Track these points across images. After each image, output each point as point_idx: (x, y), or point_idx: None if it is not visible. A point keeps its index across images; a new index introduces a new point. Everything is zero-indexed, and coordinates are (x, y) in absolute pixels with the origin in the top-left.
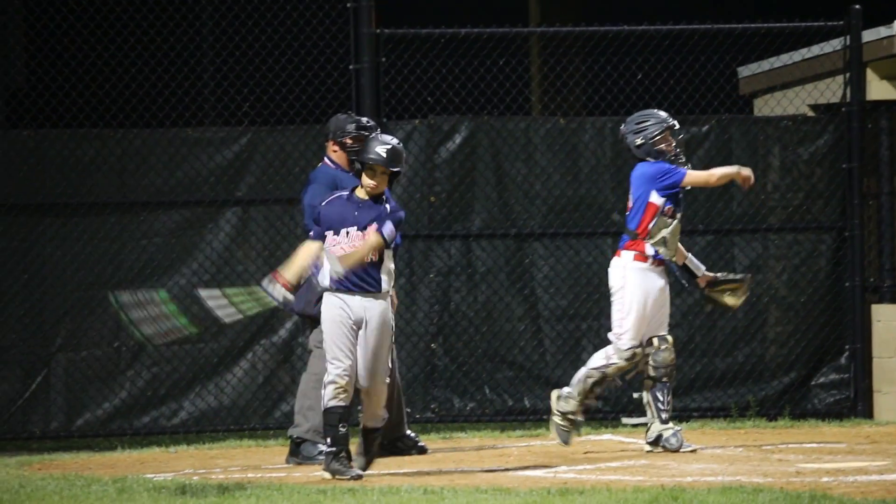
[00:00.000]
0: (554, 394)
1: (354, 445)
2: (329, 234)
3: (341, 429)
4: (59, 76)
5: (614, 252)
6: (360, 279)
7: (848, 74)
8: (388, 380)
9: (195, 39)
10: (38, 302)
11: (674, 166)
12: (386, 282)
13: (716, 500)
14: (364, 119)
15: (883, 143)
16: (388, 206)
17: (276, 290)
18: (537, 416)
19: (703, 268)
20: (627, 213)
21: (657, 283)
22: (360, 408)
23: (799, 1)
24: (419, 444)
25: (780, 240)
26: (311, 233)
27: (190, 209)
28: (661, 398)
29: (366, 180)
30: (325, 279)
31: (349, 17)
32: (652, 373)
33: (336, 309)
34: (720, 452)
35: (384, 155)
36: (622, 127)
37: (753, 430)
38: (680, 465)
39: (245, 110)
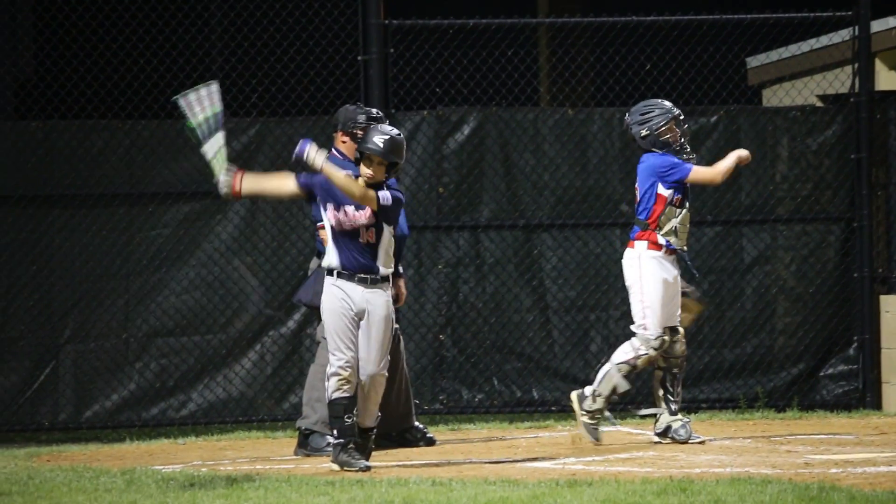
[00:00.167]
0: (574, 395)
1: None
2: (330, 206)
3: (347, 420)
4: (68, 67)
5: (625, 244)
6: (356, 260)
7: (856, 65)
8: (386, 373)
9: (204, 30)
10: (47, 293)
11: (680, 161)
12: (383, 267)
13: (724, 491)
14: (373, 110)
15: (891, 134)
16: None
17: (224, 177)
18: (546, 408)
19: (691, 288)
20: (637, 204)
21: (671, 271)
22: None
23: None
24: (427, 435)
25: (788, 231)
26: (299, 177)
27: (198, 200)
28: (671, 389)
29: (363, 169)
30: (329, 258)
31: (357, 8)
32: (663, 364)
33: (337, 300)
34: (729, 444)
35: (381, 145)
36: (626, 117)
37: (762, 421)
38: (688, 456)
39: (253, 101)
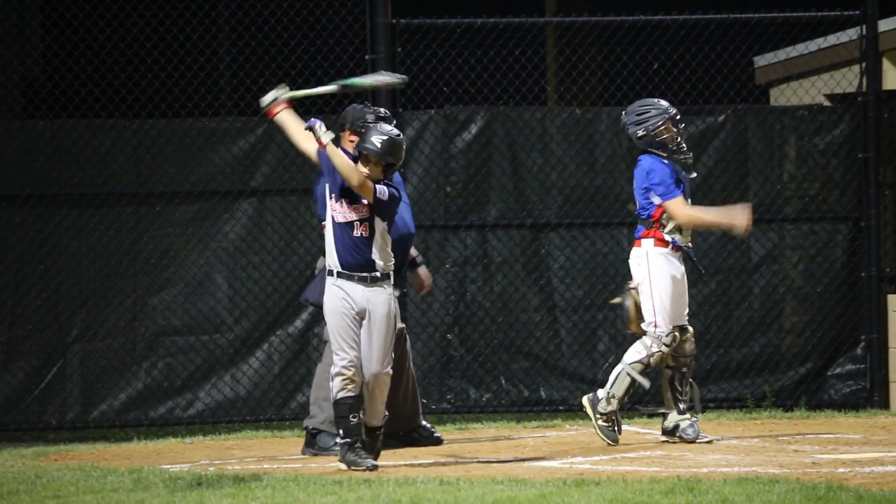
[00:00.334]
0: (586, 400)
1: None
2: (333, 196)
3: (353, 419)
4: (76, 66)
5: (632, 243)
6: (352, 256)
7: (864, 64)
8: (390, 371)
9: (211, 29)
10: (55, 293)
11: (672, 182)
12: (381, 264)
13: (732, 490)
14: (381, 109)
15: None
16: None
17: (275, 95)
18: (553, 407)
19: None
20: (638, 204)
21: (679, 268)
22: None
23: None
24: (435, 434)
25: (796, 230)
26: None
27: (206, 199)
28: (679, 388)
29: (360, 168)
30: (328, 260)
31: (365, 7)
32: (671, 363)
33: (338, 300)
34: (736, 443)
35: (378, 146)
36: (623, 117)
37: (769, 420)
38: (696, 455)
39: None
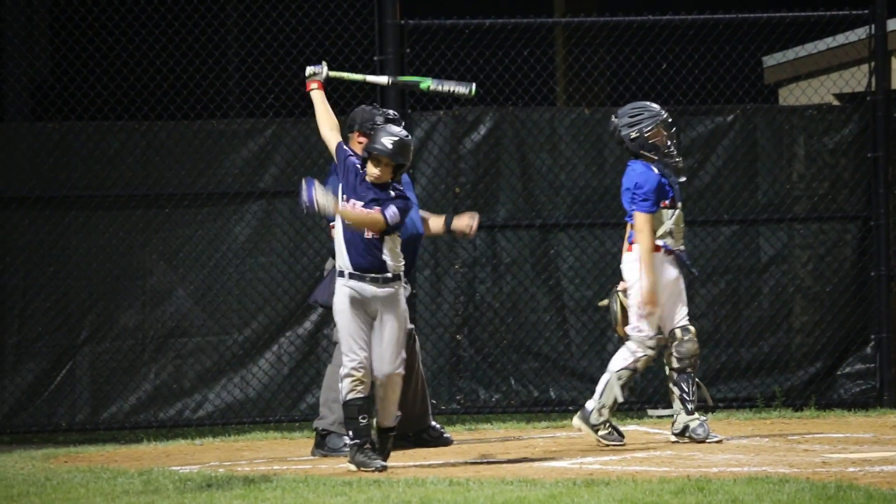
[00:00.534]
0: (577, 420)
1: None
2: (343, 196)
3: (362, 420)
4: (84, 68)
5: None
6: (363, 257)
7: (873, 63)
8: (402, 372)
9: (220, 31)
10: (64, 294)
11: (652, 200)
12: (392, 264)
13: (742, 490)
14: (390, 111)
15: None
16: (391, 192)
17: (316, 70)
18: (563, 407)
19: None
20: (629, 213)
21: (671, 273)
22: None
23: None
24: (444, 435)
25: (805, 229)
26: (340, 145)
27: (215, 201)
28: (686, 389)
29: (370, 169)
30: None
31: (373, 9)
32: (676, 364)
33: (350, 301)
34: (746, 443)
35: (390, 147)
36: (614, 119)
37: (779, 420)
38: (706, 455)
39: (270, 102)
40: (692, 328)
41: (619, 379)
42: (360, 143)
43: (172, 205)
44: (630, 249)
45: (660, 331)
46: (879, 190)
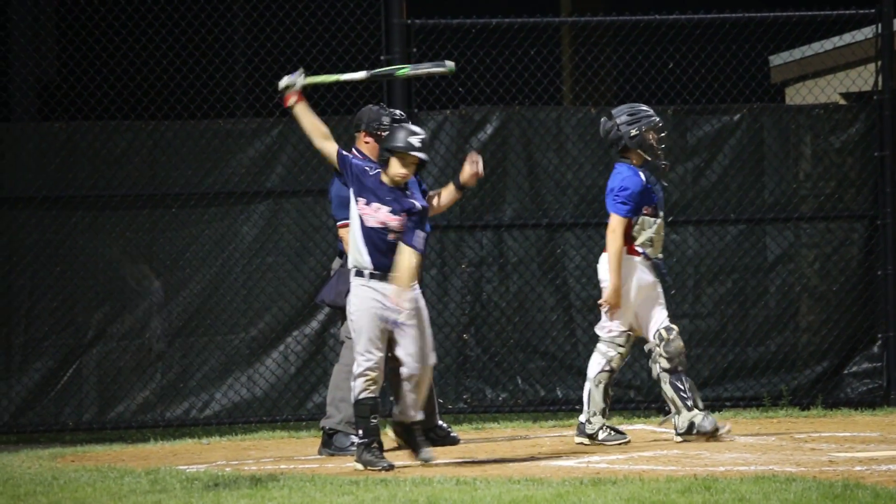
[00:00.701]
0: (577, 438)
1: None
2: (361, 200)
3: (373, 420)
4: (91, 68)
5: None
6: (385, 258)
7: (879, 62)
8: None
9: (227, 31)
10: (71, 294)
11: (632, 205)
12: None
13: (748, 489)
14: (397, 111)
15: None
16: (409, 191)
17: (292, 81)
18: (570, 407)
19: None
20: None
21: (648, 277)
22: (396, 407)
23: None
24: (451, 434)
25: (811, 228)
26: (344, 153)
27: (221, 201)
28: (681, 387)
29: (397, 169)
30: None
31: (380, 8)
32: (667, 364)
33: (370, 301)
34: (753, 441)
35: (418, 145)
36: (609, 121)
37: (786, 419)
38: (712, 454)
39: (276, 101)
40: (675, 327)
41: (599, 384)
42: (366, 143)
43: (179, 204)
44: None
45: (630, 328)
46: (886, 189)
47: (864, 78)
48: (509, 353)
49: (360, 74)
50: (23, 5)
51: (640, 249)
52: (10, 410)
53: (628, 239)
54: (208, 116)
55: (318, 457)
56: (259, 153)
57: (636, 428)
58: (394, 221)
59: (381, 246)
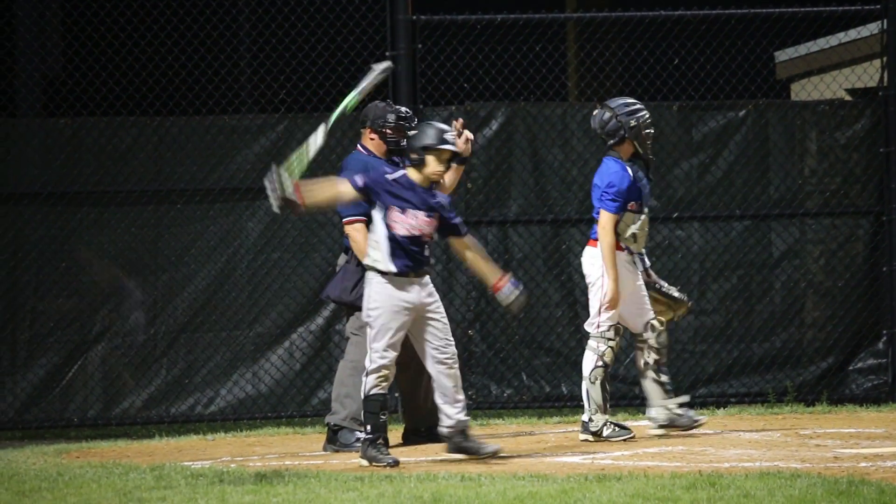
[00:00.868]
0: (582, 436)
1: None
2: (394, 209)
3: (382, 417)
4: (96, 64)
5: (653, 239)
6: (415, 259)
7: (885, 58)
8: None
9: (232, 27)
10: (76, 290)
11: (621, 201)
12: (430, 259)
13: (753, 485)
14: (403, 109)
15: None
16: (436, 193)
17: (288, 188)
18: (574, 403)
19: (646, 263)
20: (595, 209)
21: (633, 271)
22: (442, 426)
23: None
24: None
25: (817, 225)
26: (356, 180)
27: (227, 197)
28: (665, 380)
29: (435, 167)
30: (383, 263)
31: (385, 4)
32: (656, 356)
33: (394, 299)
34: (758, 438)
35: (452, 139)
36: (605, 112)
37: (791, 415)
38: (717, 450)
39: (282, 97)
40: (662, 318)
41: (595, 380)
42: (371, 139)
43: (184, 200)
44: (594, 244)
45: (618, 321)
46: (891, 185)
47: (869, 74)
48: (514, 349)
49: (320, 134)
50: (28, 1)
51: (623, 245)
52: (16, 406)
53: (616, 234)
54: (213, 112)
55: (323, 453)
56: (264, 149)
57: (641, 424)
58: (429, 226)
59: (412, 251)
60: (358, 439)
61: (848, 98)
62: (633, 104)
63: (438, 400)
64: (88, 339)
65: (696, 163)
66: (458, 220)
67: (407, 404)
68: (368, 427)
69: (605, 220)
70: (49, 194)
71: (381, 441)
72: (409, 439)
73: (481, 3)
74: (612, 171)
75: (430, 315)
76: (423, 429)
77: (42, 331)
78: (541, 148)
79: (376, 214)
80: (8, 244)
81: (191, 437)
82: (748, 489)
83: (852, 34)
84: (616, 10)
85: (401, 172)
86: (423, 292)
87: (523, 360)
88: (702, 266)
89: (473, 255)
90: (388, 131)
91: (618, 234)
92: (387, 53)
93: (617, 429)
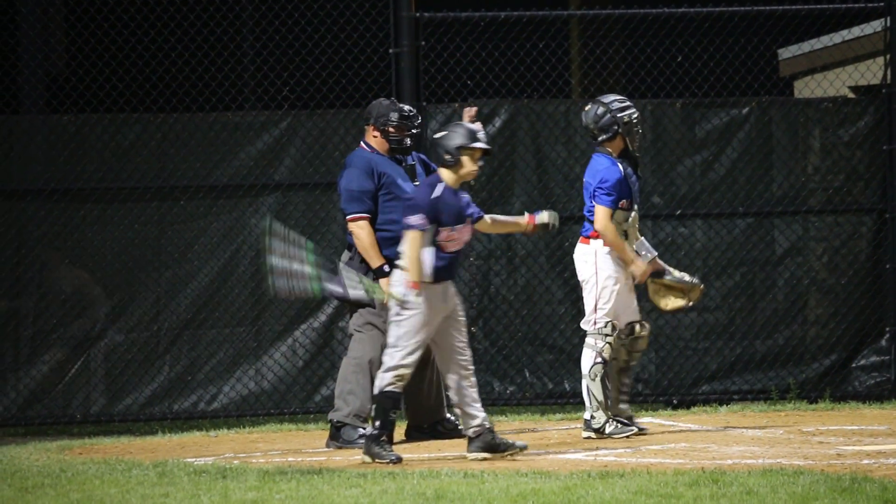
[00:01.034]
0: (585, 433)
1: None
2: (446, 229)
3: (392, 415)
4: (100, 61)
5: (656, 236)
6: (453, 267)
7: (888, 56)
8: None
9: (235, 23)
10: (80, 287)
11: (615, 195)
12: None
13: (756, 482)
14: (406, 107)
15: None
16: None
17: (409, 295)
18: (577, 399)
19: (654, 253)
20: (587, 204)
21: (621, 268)
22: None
23: None
24: (459, 427)
25: (820, 222)
26: (415, 223)
27: (230, 193)
28: (629, 382)
29: (470, 167)
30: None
31: (389, 1)
32: (626, 356)
33: (439, 302)
34: (761, 435)
35: (483, 136)
36: (599, 107)
37: (794, 412)
38: (720, 447)
39: (285, 94)
40: (646, 324)
41: (595, 377)
42: (374, 136)
43: (187, 197)
44: (587, 242)
45: (614, 317)
46: (895, 182)
47: (872, 71)
48: (517, 346)
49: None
50: None
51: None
52: (19, 403)
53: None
54: (217, 109)
55: (326, 449)
56: (267, 146)
57: (644, 421)
58: (469, 233)
59: (452, 261)
60: (361, 436)
61: (851, 95)
62: (625, 101)
63: (460, 403)
64: (91, 335)
65: (699, 160)
66: (477, 210)
67: (410, 401)
68: (377, 423)
69: (601, 214)
70: (52, 191)
71: (384, 438)
72: (412, 436)
73: (484, 0)
74: (603, 167)
75: (456, 317)
76: (425, 425)
77: (45, 327)
78: (544, 145)
79: (427, 236)
80: (11, 240)
81: (194, 433)
82: (751, 486)
83: (856, 31)
84: (619, 7)
85: (440, 188)
86: (453, 295)
87: (526, 357)
88: (705, 263)
89: (493, 222)
90: (391, 130)
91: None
92: (390, 51)
93: (620, 426)
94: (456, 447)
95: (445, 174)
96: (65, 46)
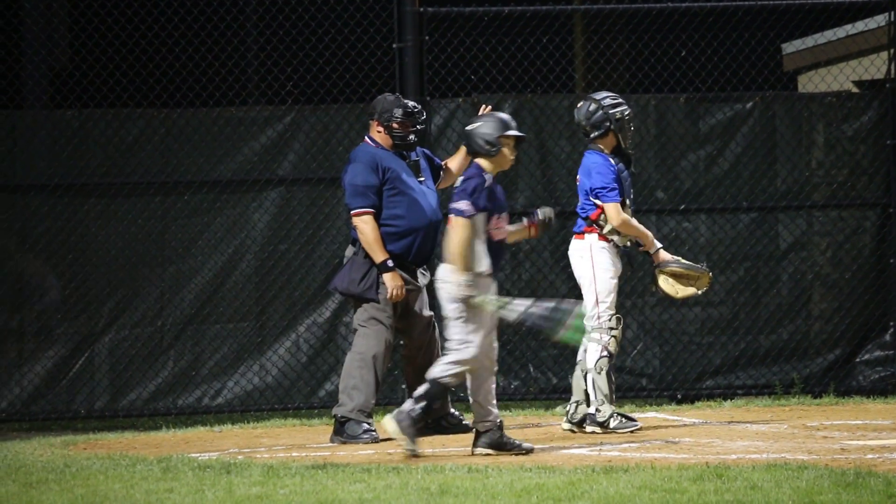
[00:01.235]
0: (589, 426)
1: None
2: (495, 217)
3: (435, 404)
4: (103, 56)
5: (660, 230)
6: (500, 258)
7: (892, 50)
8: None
9: (239, 18)
10: (83, 282)
11: (615, 189)
12: None
13: (760, 477)
14: (410, 103)
15: None
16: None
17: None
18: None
19: (658, 245)
20: (580, 201)
21: (618, 263)
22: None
23: None
24: (463, 422)
25: (824, 217)
26: (465, 210)
27: (233, 188)
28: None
29: (510, 154)
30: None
31: None
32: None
33: (493, 296)
34: (765, 429)
35: (515, 124)
36: (589, 104)
37: (798, 407)
38: (724, 442)
39: (289, 89)
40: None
41: (601, 370)
42: (378, 131)
43: (191, 192)
44: (581, 238)
45: (617, 310)
46: None
47: (876, 66)
48: (521, 340)
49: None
50: None
51: (608, 237)
52: (23, 398)
53: (599, 226)
54: (220, 104)
55: (331, 444)
56: (271, 141)
57: (648, 416)
58: (506, 222)
59: (499, 253)
60: (365, 430)
61: (855, 90)
62: (617, 98)
63: (477, 396)
64: (96, 330)
65: (703, 155)
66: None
67: None
68: (422, 404)
69: (612, 211)
70: (56, 186)
71: (421, 424)
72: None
73: None
74: (599, 164)
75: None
76: (429, 420)
77: (49, 322)
78: (548, 140)
79: (480, 221)
80: (15, 235)
81: (198, 428)
82: (755, 481)
83: (859, 26)
84: (623, 1)
85: (489, 177)
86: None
87: (530, 352)
88: (709, 258)
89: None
90: (395, 125)
91: (601, 227)
92: (394, 45)
93: (624, 420)
94: (460, 442)
95: (485, 164)
96: (68, 41)
